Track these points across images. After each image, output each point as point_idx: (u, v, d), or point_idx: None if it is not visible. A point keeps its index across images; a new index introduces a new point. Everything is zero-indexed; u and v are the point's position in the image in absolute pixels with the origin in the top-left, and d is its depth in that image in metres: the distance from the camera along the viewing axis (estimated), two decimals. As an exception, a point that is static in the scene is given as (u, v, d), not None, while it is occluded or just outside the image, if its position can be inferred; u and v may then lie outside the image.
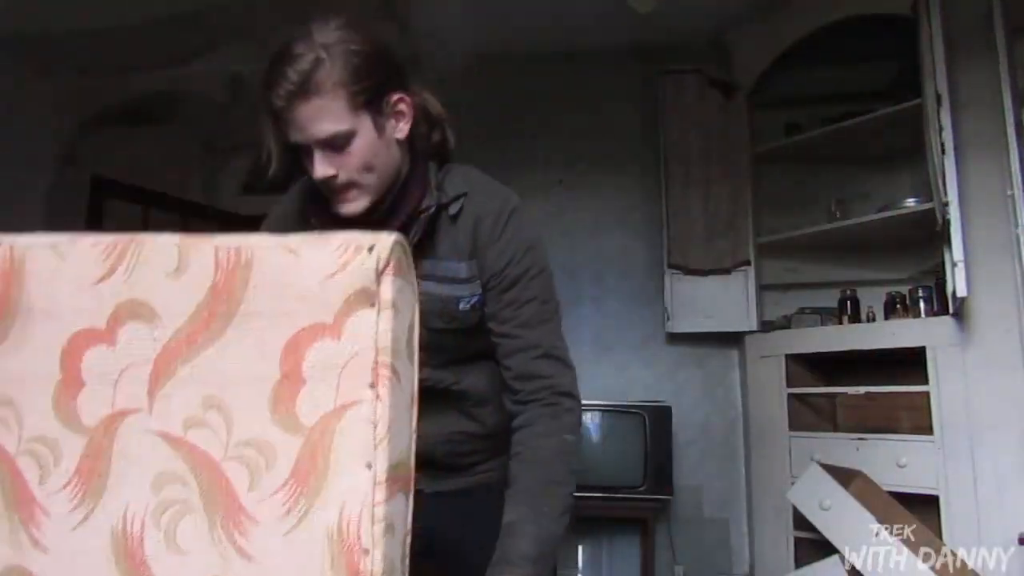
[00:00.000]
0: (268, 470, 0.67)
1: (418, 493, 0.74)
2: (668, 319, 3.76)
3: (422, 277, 1.04)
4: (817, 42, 3.69)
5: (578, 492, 3.39)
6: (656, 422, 3.37)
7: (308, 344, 0.67)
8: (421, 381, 0.74)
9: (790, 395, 3.41)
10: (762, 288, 3.76)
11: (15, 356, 0.74)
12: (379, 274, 0.67)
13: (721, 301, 3.69)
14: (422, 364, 0.75)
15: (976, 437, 2.78)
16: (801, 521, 2.93)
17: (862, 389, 3.15)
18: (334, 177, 1.18)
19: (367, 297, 0.67)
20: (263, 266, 0.70)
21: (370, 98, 1.20)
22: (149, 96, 4.70)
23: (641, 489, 3.31)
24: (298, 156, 1.23)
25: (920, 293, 3.20)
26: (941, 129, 2.79)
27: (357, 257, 0.67)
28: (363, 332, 0.67)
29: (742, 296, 3.66)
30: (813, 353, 3.42)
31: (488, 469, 1.41)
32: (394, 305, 0.68)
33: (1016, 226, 2.79)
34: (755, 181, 3.88)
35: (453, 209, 1.37)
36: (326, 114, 1.13)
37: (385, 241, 0.69)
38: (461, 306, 1.30)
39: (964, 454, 2.78)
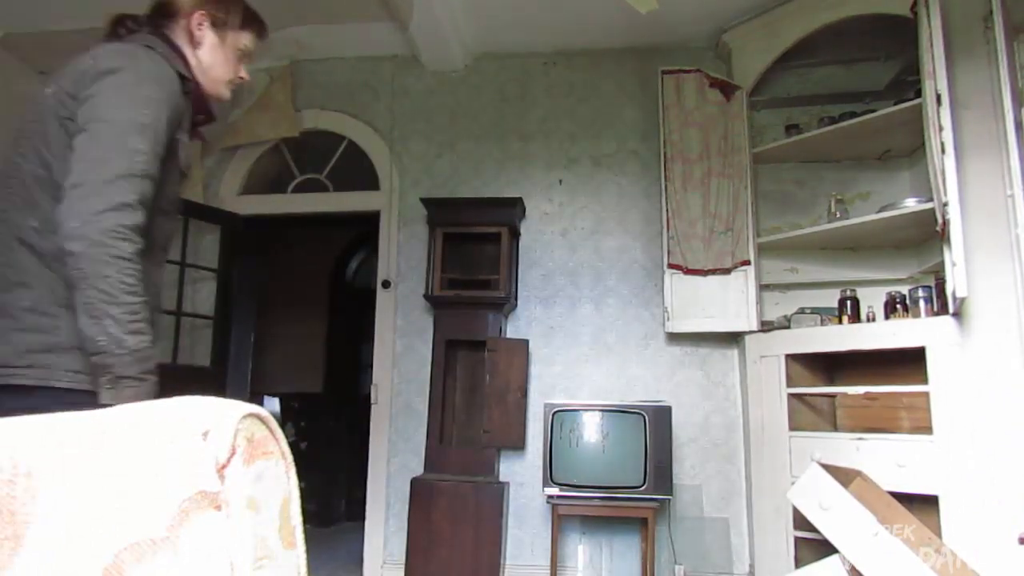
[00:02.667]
0: None
1: None
2: (668, 319, 3.77)
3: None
4: (817, 42, 3.69)
5: (579, 492, 3.42)
6: (656, 422, 3.37)
7: (134, 567, 0.49)
8: None
9: (790, 395, 3.41)
10: (762, 288, 3.76)
11: None
12: (221, 468, 0.51)
13: (721, 301, 3.70)
14: None
15: (976, 437, 2.78)
16: (801, 521, 2.94)
17: (862, 389, 3.15)
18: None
19: (207, 500, 0.50)
20: (55, 472, 0.52)
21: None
22: (149, 96, 4.70)
23: (641, 489, 3.31)
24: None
25: (920, 293, 3.20)
26: (941, 129, 2.79)
27: (186, 446, 0.50)
28: (209, 544, 0.49)
29: (742, 296, 3.66)
30: (813, 353, 3.43)
31: None
32: (251, 503, 0.51)
33: (1016, 226, 2.79)
34: (755, 181, 3.88)
35: None
36: None
37: (225, 423, 0.51)
38: None
39: (964, 454, 2.78)
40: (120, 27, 1.60)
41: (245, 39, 1.73)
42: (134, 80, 1.41)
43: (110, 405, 1.00)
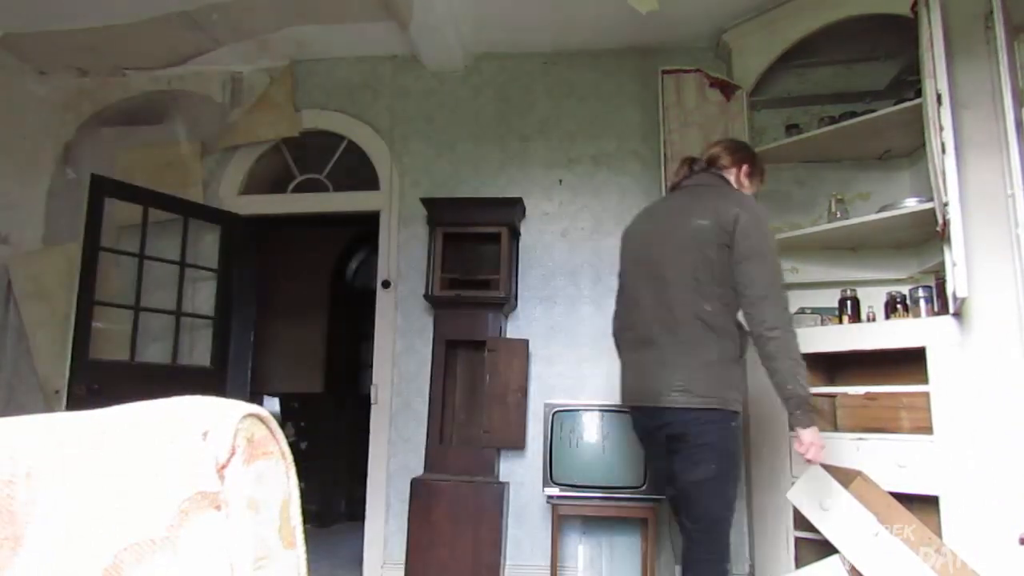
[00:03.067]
0: None
1: None
2: (668, 319, 3.76)
3: None
4: (817, 42, 3.69)
5: (579, 492, 3.40)
6: (656, 422, 3.37)
7: (134, 568, 0.49)
8: None
9: (790, 395, 3.40)
10: (762, 288, 3.75)
11: None
12: (221, 468, 0.51)
13: (721, 301, 3.69)
14: None
15: (976, 437, 2.78)
16: (801, 521, 2.94)
17: (862, 389, 3.14)
18: None
19: (207, 500, 0.50)
20: (55, 472, 0.52)
21: None
22: (149, 96, 4.71)
23: (642, 489, 3.31)
24: None
25: (920, 293, 3.20)
26: (941, 129, 2.79)
27: (186, 446, 0.50)
28: (209, 545, 0.49)
29: (742, 296, 3.65)
30: (813, 353, 3.41)
31: None
32: (251, 503, 0.51)
33: (1016, 226, 2.79)
34: (755, 181, 3.88)
35: None
36: None
37: (225, 423, 0.51)
38: None
39: (964, 454, 2.78)
40: (693, 164, 2.60)
41: (756, 185, 2.65)
42: (763, 221, 2.32)
43: (800, 428, 2.22)
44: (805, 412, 2.23)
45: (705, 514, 2.28)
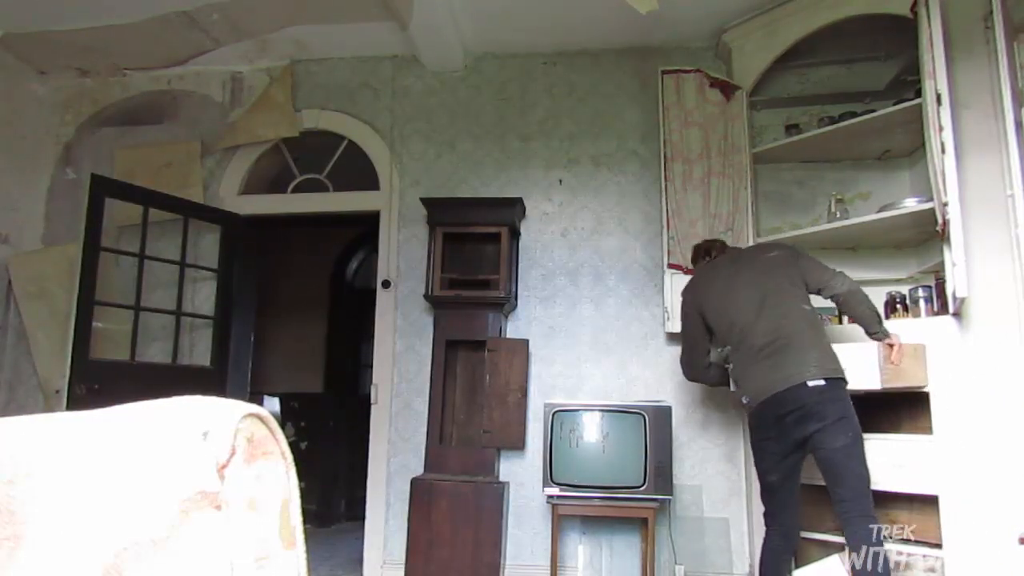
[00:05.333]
0: None
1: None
2: (668, 319, 3.76)
3: None
4: (817, 42, 3.69)
5: (579, 492, 3.40)
6: (656, 422, 3.37)
7: (134, 567, 0.49)
8: None
9: (790, 395, 3.40)
10: (762, 288, 3.76)
11: None
12: (222, 468, 0.51)
13: (721, 301, 3.69)
14: None
15: (976, 437, 2.78)
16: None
17: (862, 389, 3.14)
18: None
19: (207, 500, 0.50)
20: (55, 472, 0.52)
21: None
22: (149, 96, 4.71)
23: (641, 489, 3.31)
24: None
25: (920, 293, 3.20)
26: (941, 129, 2.79)
27: (186, 446, 0.50)
28: (209, 545, 0.49)
29: (742, 296, 3.66)
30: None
31: None
32: (251, 503, 0.51)
33: (1016, 226, 2.79)
34: (755, 181, 3.88)
35: None
36: None
37: (225, 423, 0.51)
38: None
39: (964, 454, 2.78)
40: (711, 250, 3.26)
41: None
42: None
43: (883, 339, 2.84)
44: (884, 332, 2.86)
45: (853, 475, 2.61)
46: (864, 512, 2.56)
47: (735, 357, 2.93)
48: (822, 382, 2.64)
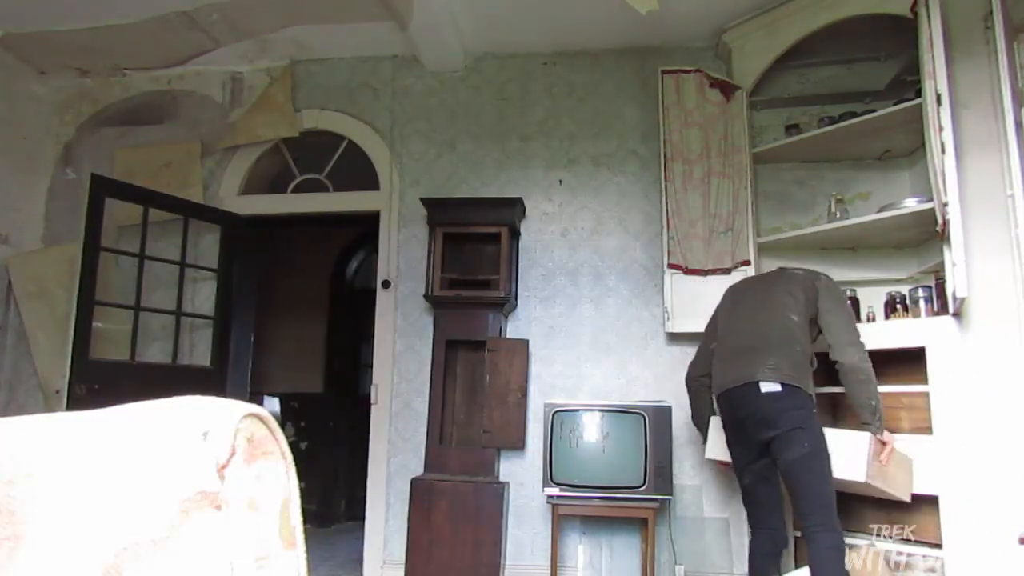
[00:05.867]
0: None
1: None
2: (668, 319, 3.77)
3: None
4: (817, 42, 3.69)
5: (579, 492, 3.41)
6: (656, 422, 3.37)
7: (134, 567, 0.49)
8: None
9: (790, 395, 3.40)
10: (762, 288, 3.76)
11: None
12: (222, 468, 0.51)
13: (721, 301, 3.69)
14: None
15: (976, 437, 2.78)
16: (801, 521, 2.93)
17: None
18: None
19: (207, 500, 0.50)
20: (55, 472, 0.51)
21: None
22: (149, 96, 4.71)
23: (641, 489, 3.31)
24: None
25: (920, 293, 3.20)
26: (941, 129, 2.79)
27: (186, 446, 0.50)
28: (209, 545, 0.49)
29: (742, 296, 3.66)
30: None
31: None
32: (251, 503, 0.51)
33: (1016, 226, 2.79)
34: (755, 181, 3.88)
35: None
36: None
37: (225, 423, 0.50)
38: None
39: (964, 454, 2.78)
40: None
41: None
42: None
43: (874, 433, 2.68)
44: (879, 423, 2.72)
45: (808, 488, 2.60)
46: (823, 525, 2.50)
47: (715, 354, 2.98)
48: (777, 388, 2.61)
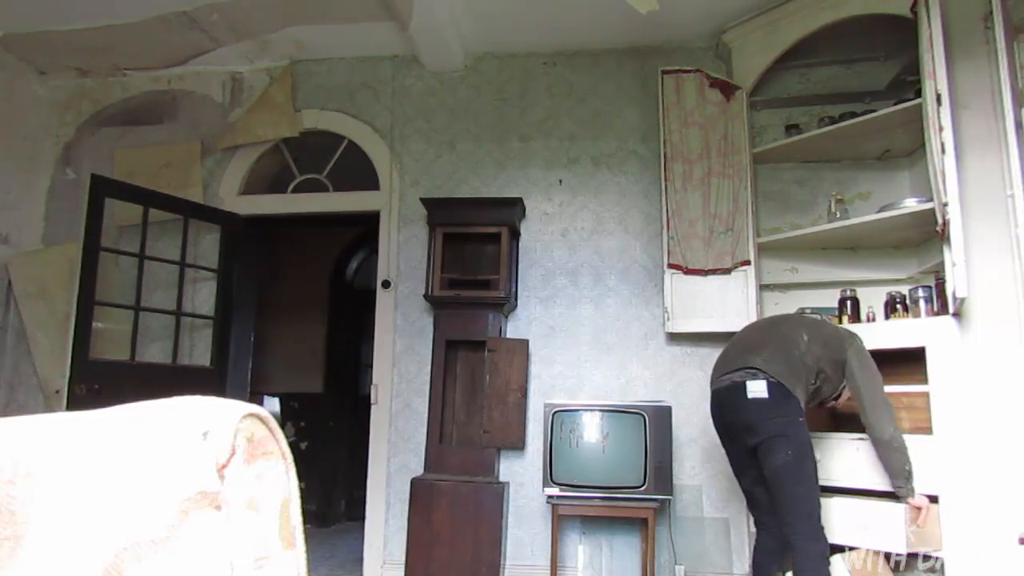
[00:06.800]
0: None
1: None
2: (668, 319, 3.77)
3: None
4: (817, 42, 3.69)
5: (579, 492, 3.42)
6: (656, 422, 3.37)
7: (134, 567, 0.48)
8: None
9: (790, 395, 3.40)
10: (762, 288, 3.76)
11: None
12: (222, 468, 0.51)
13: (721, 301, 3.70)
14: None
15: (976, 437, 2.78)
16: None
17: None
18: None
19: (207, 500, 0.50)
20: (55, 472, 0.51)
21: None
22: (149, 96, 4.71)
23: (641, 489, 3.31)
24: None
25: (920, 293, 3.20)
26: (941, 129, 2.79)
27: (186, 446, 0.50)
28: (209, 545, 0.49)
29: (742, 296, 3.66)
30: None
31: None
32: (251, 503, 0.51)
33: (1016, 226, 2.79)
34: (755, 181, 3.88)
35: None
36: None
37: (225, 423, 0.50)
38: None
39: (964, 454, 2.78)
40: None
41: None
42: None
43: (905, 497, 2.71)
44: (910, 488, 2.73)
45: (789, 496, 2.61)
46: (806, 534, 2.49)
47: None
48: (763, 392, 2.59)
